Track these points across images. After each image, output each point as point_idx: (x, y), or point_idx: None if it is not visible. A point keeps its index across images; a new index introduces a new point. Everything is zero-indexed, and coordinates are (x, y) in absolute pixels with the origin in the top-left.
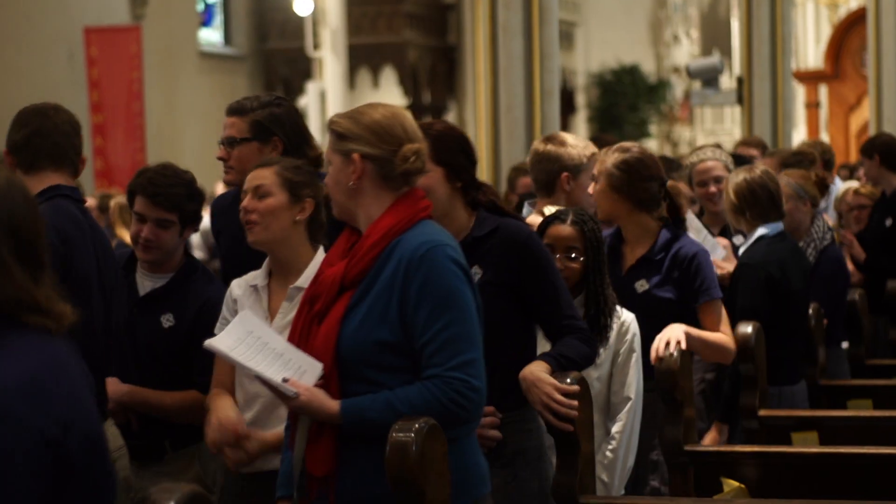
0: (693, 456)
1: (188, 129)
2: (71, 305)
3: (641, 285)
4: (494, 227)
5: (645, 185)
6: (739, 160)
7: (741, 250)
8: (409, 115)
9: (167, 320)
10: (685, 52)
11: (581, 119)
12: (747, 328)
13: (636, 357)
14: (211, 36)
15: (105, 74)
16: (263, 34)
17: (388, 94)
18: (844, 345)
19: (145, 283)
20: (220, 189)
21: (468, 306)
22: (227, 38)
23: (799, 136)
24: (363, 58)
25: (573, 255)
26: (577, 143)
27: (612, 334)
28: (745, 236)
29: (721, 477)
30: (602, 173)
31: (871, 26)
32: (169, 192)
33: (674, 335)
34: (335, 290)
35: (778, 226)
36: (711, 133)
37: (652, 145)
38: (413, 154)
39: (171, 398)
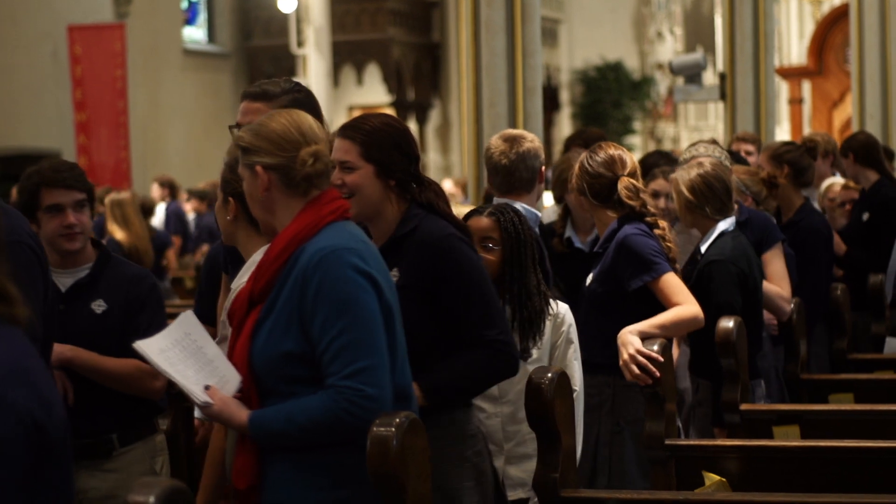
0: (674, 450)
1: (172, 126)
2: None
3: (588, 280)
4: (414, 226)
5: (598, 180)
6: (735, 157)
7: (703, 247)
8: (309, 119)
9: (98, 306)
10: (669, 48)
11: (565, 116)
12: (728, 323)
13: (574, 348)
14: (195, 34)
15: (89, 72)
16: (247, 32)
17: (372, 91)
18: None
19: (65, 281)
20: (201, 186)
21: (367, 312)
22: (211, 35)
23: (782, 132)
24: (347, 55)
25: (489, 246)
26: (530, 134)
27: (548, 328)
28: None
29: (702, 470)
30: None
31: (853, 22)
32: (74, 174)
33: (628, 348)
34: (246, 305)
35: (733, 220)
36: (695, 129)
37: (636, 142)
38: (311, 157)
39: (112, 363)
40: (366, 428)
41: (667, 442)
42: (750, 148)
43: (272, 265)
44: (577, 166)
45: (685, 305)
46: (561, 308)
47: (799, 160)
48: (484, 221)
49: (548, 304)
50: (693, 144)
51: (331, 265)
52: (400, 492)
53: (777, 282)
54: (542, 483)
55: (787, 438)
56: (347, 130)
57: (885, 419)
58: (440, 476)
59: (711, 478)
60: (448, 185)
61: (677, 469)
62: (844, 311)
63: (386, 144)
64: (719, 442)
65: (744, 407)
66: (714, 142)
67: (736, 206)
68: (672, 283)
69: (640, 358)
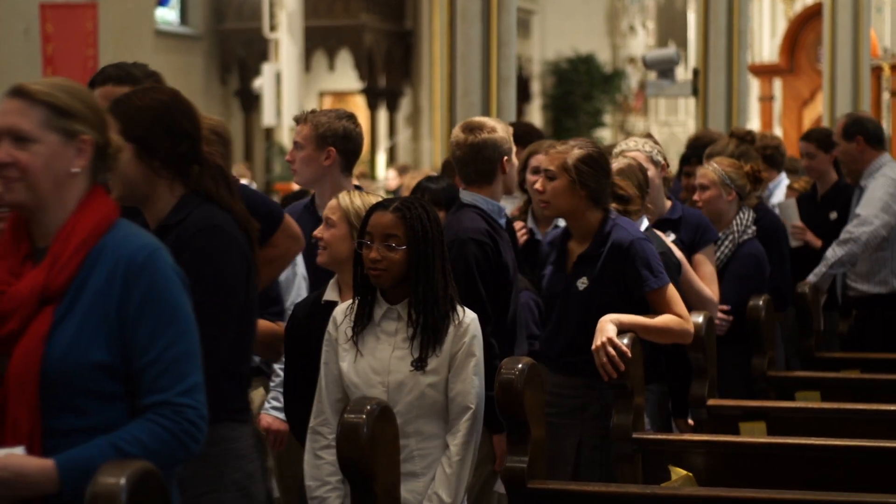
0: (641, 444)
1: None
2: None
3: (582, 283)
4: (186, 215)
5: (605, 180)
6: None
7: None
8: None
9: None
10: (641, 43)
11: (536, 107)
12: (698, 318)
13: (476, 362)
14: (167, 14)
15: (60, 51)
16: (220, 14)
17: (344, 77)
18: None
19: None
20: None
21: (191, 320)
22: (184, 17)
23: (753, 128)
24: (319, 40)
25: (392, 245)
26: (498, 123)
27: (448, 337)
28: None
29: (669, 465)
30: (564, 168)
31: (826, 21)
32: None
33: (602, 335)
34: (34, 304)
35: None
36: (665, 124)
37: (606, 135)
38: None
39: None
40: (198, 452)
41: (634, 436)
42: None
43: (73, 259)
44: (583, 166)
45: (682, 318)
46: (467, 316)
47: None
48: (386, 217)
49: (454, 310)
50: (626, 139)
51: (157, 267)
52: (369, 479)
53: (709, 282)
54: (509, 474)
55: (754, 435)
56: (111, 107)
57: (851, 417)
58: (193, 502)
59: (678, 472)
60: (391, 175)
61: (644, 463)
62: (812, 309)
63: (148, 122)
64: (686, 437)
65: (711, 402)
66: (649, 135)
67: (669, 203)
68: (675, 292)
69: (610, 349)
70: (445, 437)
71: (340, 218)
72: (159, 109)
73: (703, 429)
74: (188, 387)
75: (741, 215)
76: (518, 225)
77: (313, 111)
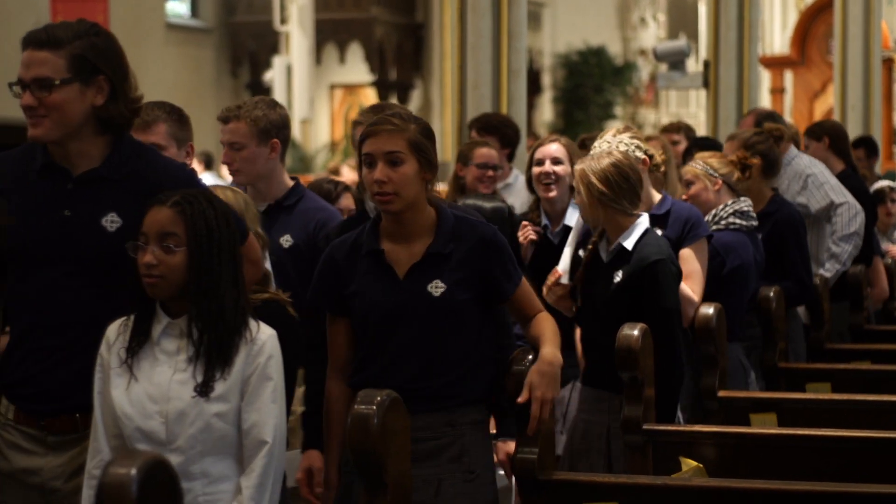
0: (651, 435)
1: (153, 100)
2: None
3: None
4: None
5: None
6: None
7: (629, 244)
8: None
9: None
10: (652, 35)
11: (546, 100)
12: (709, 310)
13: (273, 387)
14: (178, 8)
15: None
16: (231, 7)
17: (354, 70)
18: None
19: None
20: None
21: None
22: (194, 10)
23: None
24: (330, 33)
25: (170, 246)
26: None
27: (240, 357)
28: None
29: (679, 456)
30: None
31: (837, 13)
32: None
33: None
34: None
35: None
36: (676, 116)
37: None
38: None
39: None
40: None
41: (644, 427)
42: (676, 137)
43: None
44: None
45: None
46: (262, 333)
47: (769, 151)
48: (163, 214)
49: (246, 325)
50: (603, 134)
51: None
52: (380, 470)
53: (691, 282)
54: (520, 465)
55: (765, 426)
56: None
57: (861, 408)
58: None
59: (688, 463)
60: (346, 172)
61: (654, 454)
62: (823, 301)
63: (95, 55)
64: (697, 428)
65: (722, 394)
66: (628, 128)
67: (660, 196)
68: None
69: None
70: (238, 480)
71: None
72: (104, 42)
73: (713, 420)
74: None
75: (720, 207)
76: (525, 226)
77: (238, 107)
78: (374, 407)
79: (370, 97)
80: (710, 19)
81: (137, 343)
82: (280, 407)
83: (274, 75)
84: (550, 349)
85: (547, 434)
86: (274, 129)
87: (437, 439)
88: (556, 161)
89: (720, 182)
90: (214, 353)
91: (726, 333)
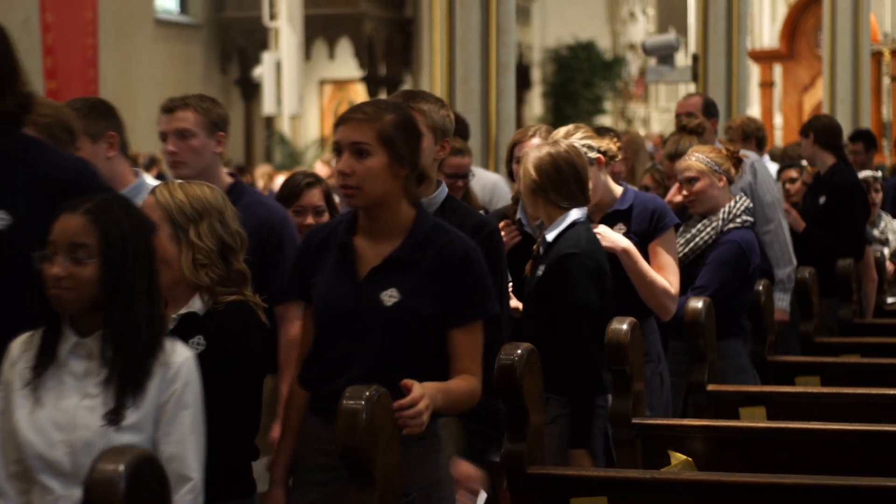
0: (641, 429)
1: (143, 96)
2: None
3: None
4: None
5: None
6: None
7: (550, 237)
8: None
9: None
10: (641, 29)
11: (536, 94)
12: (697, 303)
13: (191, 415)
14: (167, 3)
15: (60, 40)
16: (220, 3)
17: (344, 65)
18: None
19: None
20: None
21: None
22: (184, 6)
23: (753, 115)
24: (319, 29)
25: (80, 257)
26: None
27: (154, 382)
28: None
29: (669, 450)
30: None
31: (826, 6)
32: None
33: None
34: None
35: (585, 211)
36: (666, 110)
37: (606, 122)
38: None
39: None
40: None
41: (633, 421)
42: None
43: None
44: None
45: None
46: (178, 354)
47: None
48: (74, 222)
49: (160, 346)
50: (556, 133)
51: None
52: (368, 465)
53: (665, 274)
54: (509, 459)
55: (754, 420)
56: None
57: (851, 402)
58: None
59: (678, 457)
60: (318, 167)
61: (643, 448)
62: (812, 294)
63: None
64: (686, 422)
65: (711, 387)
66: (579, 128)
67: (621, 190)
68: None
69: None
70: None
71: (161, 217)
72: None
73: (703, 414)
74: None
75: (732, 204)
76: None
77: (183, 97)
78: (363, 402)
79: (359, 93)
80: (699, 13)
81: (42, 363)
82: (199, 438)
83: (263, 71)
84: (438, 391)
85: (536, 427)
86: (221, 122)
87: None
88: None
89: (724, 179)
90: (127, 376)
91: (731, 330)
